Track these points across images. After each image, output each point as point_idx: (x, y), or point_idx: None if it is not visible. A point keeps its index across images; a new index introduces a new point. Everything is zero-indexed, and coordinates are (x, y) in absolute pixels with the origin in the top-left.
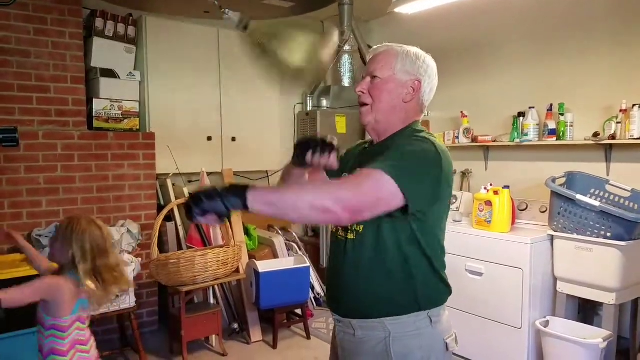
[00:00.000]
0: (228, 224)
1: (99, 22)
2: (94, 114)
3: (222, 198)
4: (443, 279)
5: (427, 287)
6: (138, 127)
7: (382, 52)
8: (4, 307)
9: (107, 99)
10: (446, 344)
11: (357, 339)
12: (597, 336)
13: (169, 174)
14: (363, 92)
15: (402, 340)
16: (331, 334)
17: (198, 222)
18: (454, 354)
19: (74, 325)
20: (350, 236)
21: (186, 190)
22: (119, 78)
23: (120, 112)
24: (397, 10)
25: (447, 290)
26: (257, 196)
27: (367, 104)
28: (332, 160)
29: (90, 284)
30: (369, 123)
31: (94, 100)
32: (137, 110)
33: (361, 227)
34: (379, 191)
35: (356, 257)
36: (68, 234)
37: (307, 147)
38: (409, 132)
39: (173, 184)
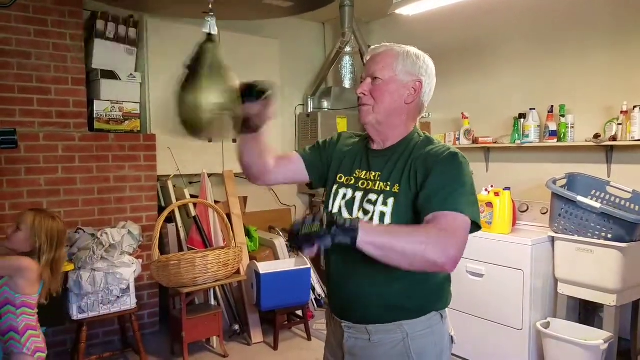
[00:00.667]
0: (229, 225)
1: (99, 24)
2: (94, 116)
3: (333, 236)
4: (450, 280)
5: (440, 290)
6: (139, 129)
7: (382, 53)
8: None
9: (108, 100)
10: (451, 337)
11: (372, 344)
12: (597, 338)
13: (170, 175)
14: (364, 94)
15: (419, 339)
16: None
17: (301, 250)
18: (453, 354)
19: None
20: None
21: (187, 192)
22: (120, 79)
23: (121, 113)
24: (397, 11)
25: (450, 292)
26: (368, 238)
27: (368, 105)
28: (264, 107)
29: (47, 271)
30: (369, 123)
31: (95, 102)
32: (138, 112)
33: None
34: (465, 233)
35: (374, 263)
36: (37, 225)
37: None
38: (423, 140)
39: (174, 186)
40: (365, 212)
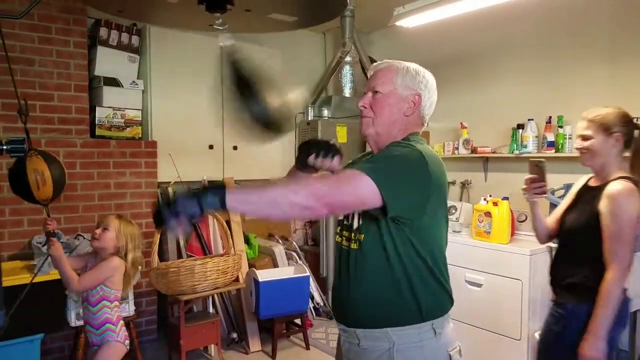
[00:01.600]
0: (229, 232)
1: (103, 32)
2: (96, 122)
3: (199, 197)
4: (445, 288)
5: (428, 297)
6: (140, 136)
7: (383, 69)
8: (76, 290)
9: (110, 107)
10: (449, 356)
11: (362, 349)
12: None
13: (171, 182)
14: (365, 107)
15: (406, 352)
16: (330, 344)
17: (167, 228)
18: None
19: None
20: (354, 246)
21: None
22: (122, 87)
23: (122, 120)
24: (397, 23)
25: (449, 299)
26: (236, 195)
27: (368, 117)
28: (335, 163)
29: (131, 268)
30: (370, 135)
31: (97, 109)
32: (140, 119)
33: (362, 236)
34: (355, 191)
35: (359, 266)
36: (123, 227)
37: (311, 149)
38: (400, 140)
39: (174, 192)
40: (352, 216)
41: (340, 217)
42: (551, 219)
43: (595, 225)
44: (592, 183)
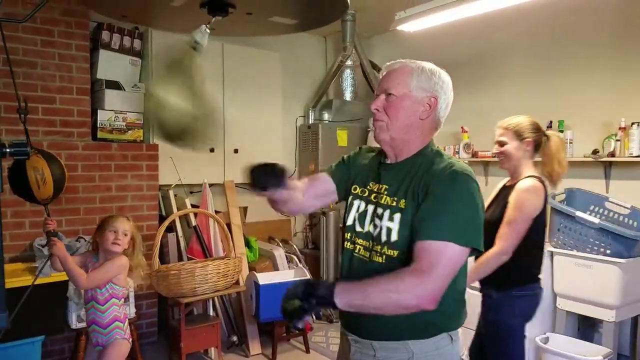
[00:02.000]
0: (229, 235)
1: (105, 35)
2: (98, 125)
3: (313, 308)
4: (464, 301)
5: (451, 310)
6: (142, 139)
7: (397, 69)
8: (85, 287)
9: (112, 110)
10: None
11: None
12: (596, 353)
13: (172, 185)
14: (378, 110)
15: None
16: (330, 348)
17: (295, 323)
18: None
19: None
20: (378, 259)
21: (188, 202)
22: (124, 90)
23: (124, 123)
24: (399, 28)
25: (465, 310)
26: (344, 303)
27: (382, 121)
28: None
29: (138, 269)
30: (384, 140)
31: (99, 112)
32: (141, 122)
33: (395, 252)
34: (451, 264)
35: None
36: (134, 228)
37: (261, 185)
38: (432, 155)
39: (175, 195)
40: (375, 227)
41: (350, 222)
42: None
43: None
44: (508, 183)
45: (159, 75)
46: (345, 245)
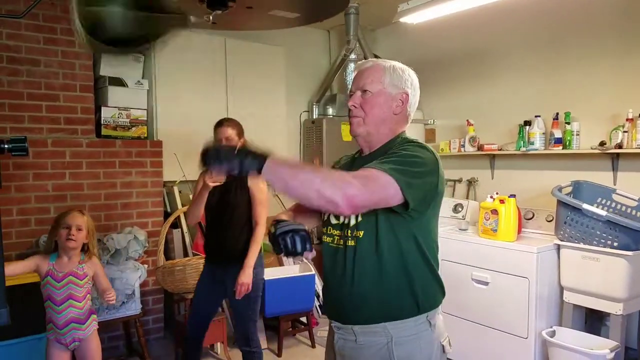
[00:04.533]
0: None
1: None
2: (102, 122)
3: (242, 159)
4: (438, 279)
5: (425, 289)
6: (146, 135)
7: (370, 68)
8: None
9: (116, 107)
10: (442, 346)
11: (359, 345)
12: (604, 347)
13: (176, 181)
14: (355, 106)
15: (404, 345)
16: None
17: (207, 170)
18: (448, 358)
19: None
20: (351, 243)
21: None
22: (127, 86)
23: (128, 120)
24: (402, 20)
25: (441, 291)
26: (274, 167)
27: (358, 117)
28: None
29: None
30: (360, 134)
31: (103, 109)
32: (145, 118)
33: (361, 232)
34: (382, 191)
35: (357, 263)
36: (90, 223)
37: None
38: (401, 140)
39: (179, 191)
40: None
41: (325, 218)
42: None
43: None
44: None
45: None
46: (323, 240)
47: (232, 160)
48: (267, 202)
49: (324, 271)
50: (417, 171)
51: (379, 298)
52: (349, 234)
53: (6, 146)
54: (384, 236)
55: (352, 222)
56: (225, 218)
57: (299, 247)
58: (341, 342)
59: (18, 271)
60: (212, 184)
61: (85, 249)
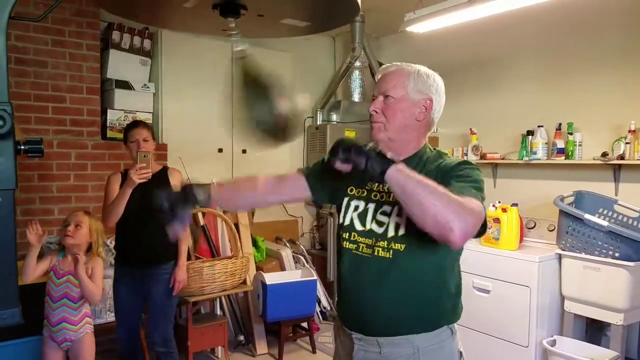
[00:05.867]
0: (237, 235)
1: (115, 35)
2: (108, 124)
3: (369, 158)
4: (460, 293)
5: (453, 304)
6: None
7: (393, 72)
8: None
9: (122, 109)
10: (460, 352)
11: (383, 357)
12: (604, 357)
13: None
14: (377, 112)
15: (429, 354)
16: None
17: (335, 164)
18: None
19: None
20: (384, 254)
21: None
22: (134, 90)
23: (145, 121)
24: (408, 29)
25: (461, 304)
26: (400, 173)
27: (379, 122)
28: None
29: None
30: (382, 140)
31: (109, 111)
32: (151, 122)
33: (402, 245)
34: (480, 219)
35: (393, 276)
36: (93, 224)
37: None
38: (435, 154)
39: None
40: (379, 224)
41: (348, 222)
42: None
43: None
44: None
45: (242, 99)
46: (344, 245)
47: (360, 156)
48: None
49: (342, 278)
50: (484, 196)
51: (410, 312)
52: (385, 245)
53: (22, 147)
54: (429, 253)
55: (391, 233)
56: (149, 217)
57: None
58: (361, 354)
59: (44, 267)
60: (138, 180)
61: (89, 250)
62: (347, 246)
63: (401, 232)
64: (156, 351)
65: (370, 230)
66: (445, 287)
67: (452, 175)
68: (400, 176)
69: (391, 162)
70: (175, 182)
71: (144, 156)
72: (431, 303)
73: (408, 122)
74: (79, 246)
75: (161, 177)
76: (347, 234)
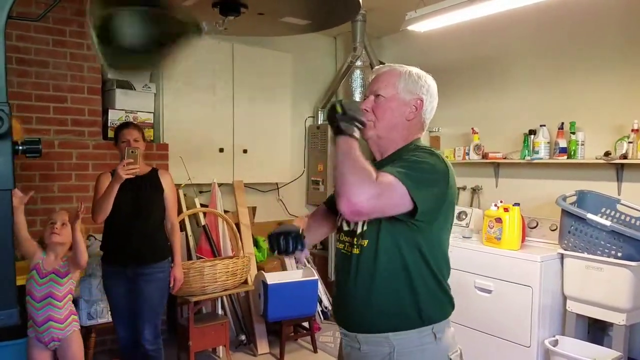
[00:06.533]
0: (238, 235)
1: None
2: (109, 125)
3: (341, 117)
4: (447, 292)
5: (430, 301)
6: (152, 138)
7: (385, 72)
8: (83, 266)
9: (123, 109)
10: (449, 359)
11: (362, 354)
12: (606, 357)
13: (181, 184)
14: (367, 110)
15: (406, 356)
16: (338, 348)
17: (337, 126)
18: None
19: None
20: (355, 251)
21: (197, 201)
22: (135, 90)
23: (136, 123)
24: (409, 28)
25: (450, 304)
26: (343, 141)
27: (369, 120)
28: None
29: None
30: (371, 137)
31: (110, 111)
32: (152, 122)
33: (365, 241)
34: (391, 197)
35: (361, 271)
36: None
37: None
38: (413, 147)
39: (185, 195)
40: (356, 222)
41: (339, 224)
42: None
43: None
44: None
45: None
46: (337, 246)
47: (355, 115)
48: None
49: (335, 277)
50: (426, 177)
51: (380, 308)
52: (355, 242)
53: (20, 147)
54: (386, 247)
55: (359, 230)
56: (142, 217)
57: (290, 247)
58: (348, 350)
59: (33, 249)
60: (125, 176)
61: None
62: (338, 246)
63: (365, 227)
64: (145, 348)
65: (350, 230)
66: (419, 282)
67: (401, 158)
68: (343, 145)
69: (353, 129)
70: (166, 183)
71: (132, 152)
72: (401, 300)
73: (397, 121)
74: (63, 245)
75: (152, 178)
76: (338, 234)
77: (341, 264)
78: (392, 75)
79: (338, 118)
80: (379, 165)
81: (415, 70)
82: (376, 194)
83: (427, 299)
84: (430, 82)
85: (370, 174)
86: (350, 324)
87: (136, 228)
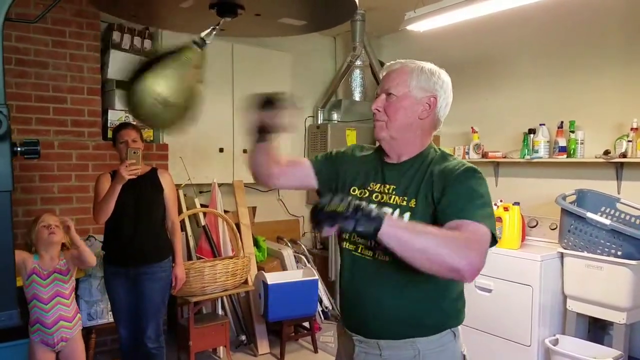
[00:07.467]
0: (238, 235)
1: (116, 35)
2: (108, 125)
3: (356, 220)
4: (464, 298)
5: (455, 307)
6: (152, 138)
7: (397, 69)
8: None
9: (122, 110)
10: (464, 355)
11: (383, 359)
12: (607, 356)
13: (181, 184)
14: (379, 110)
15: (431, 357)
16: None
17: (318, 229)
18: None
19: None
20: (383, 257)
21: (197, 202)
22: None
23: (134, 123)
24: (409, 27)
25: (464, 307)
26: (391, 230)
27: (381, 121)
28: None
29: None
30: (384, 138)
31: (109, 112)
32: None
33: None
34: (487, 247)
35: (390, 278)
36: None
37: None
38: (439, 156)
39: (185, 195)
40: None
41: None
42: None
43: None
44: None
45: (153, 63)
46: (343, 246)
47: (348, 221)
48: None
49: (343, 280)
50: (491, 211)
51: (410, 316)
52: (375, 246)
53: (19, 149)
54: None
55: None
56: (143, 217)
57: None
58: (362, 356)
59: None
60: (127, 176)
61: (63, 248)
62: (346, 246)
63: None
64: (147, 347)
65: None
66: (446, 290)
67: (454, 183)
68: (394, 231)
69: (380, 219)
70: (166, 182)
71: (134, 152)
72: (431, 307)
73: (410, 120)
74: (59, 244)
75: (152, 178)
76: (347, 234)
77: (354, 267)
78: (403, 72)
79: (355, 226)
80: (395, 168)
81: (428, 65)
82: (479, 251)
83: (453, 305)
84: (444, 77)
85: (453, 237)
86: (371, 330)
87: (137, 228)
